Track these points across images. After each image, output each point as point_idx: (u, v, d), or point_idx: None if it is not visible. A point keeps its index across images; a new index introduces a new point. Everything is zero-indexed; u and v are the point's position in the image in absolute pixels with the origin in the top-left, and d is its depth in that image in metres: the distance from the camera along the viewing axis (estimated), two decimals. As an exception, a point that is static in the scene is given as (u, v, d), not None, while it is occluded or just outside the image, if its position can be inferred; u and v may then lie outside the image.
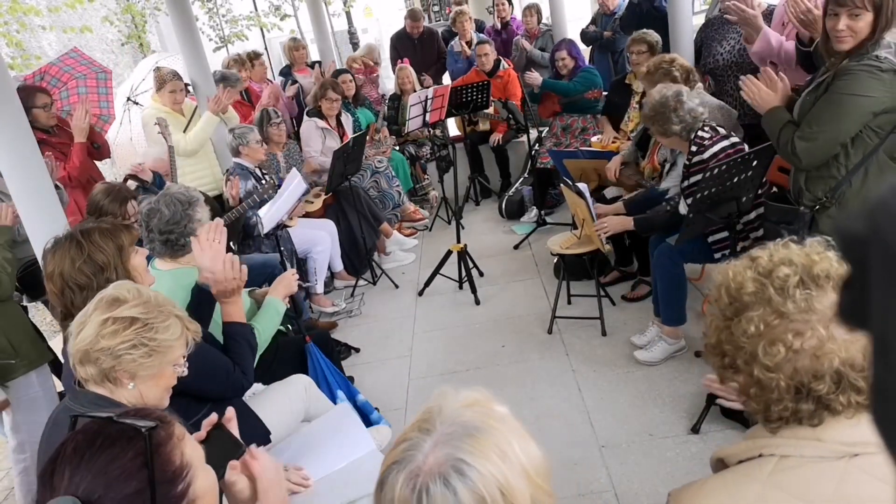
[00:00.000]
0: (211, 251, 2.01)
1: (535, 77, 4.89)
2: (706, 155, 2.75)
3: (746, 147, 2.78)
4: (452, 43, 6.42)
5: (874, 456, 0.89)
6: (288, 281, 2.52)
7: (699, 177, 2.74)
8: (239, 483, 1.30)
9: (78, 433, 1.03)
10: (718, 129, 2.84)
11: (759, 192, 2.78)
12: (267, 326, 2.36)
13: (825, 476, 0.90)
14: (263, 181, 4.00)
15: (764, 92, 2.28)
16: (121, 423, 1.03)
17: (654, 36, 4.03)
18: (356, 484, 1.86)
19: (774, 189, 2.88)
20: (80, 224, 2.04)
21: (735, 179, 2.53)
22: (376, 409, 2.97)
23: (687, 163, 2.84)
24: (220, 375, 1.92)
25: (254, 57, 5.71)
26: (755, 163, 2.55)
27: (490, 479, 0.81)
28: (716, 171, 2.47)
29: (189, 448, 1.07)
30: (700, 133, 2.79)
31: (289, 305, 2.94)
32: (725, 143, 2.76)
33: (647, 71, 3.36)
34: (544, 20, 6.56)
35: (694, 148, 2.81)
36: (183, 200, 2.33)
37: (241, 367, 2.03)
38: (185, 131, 4.18)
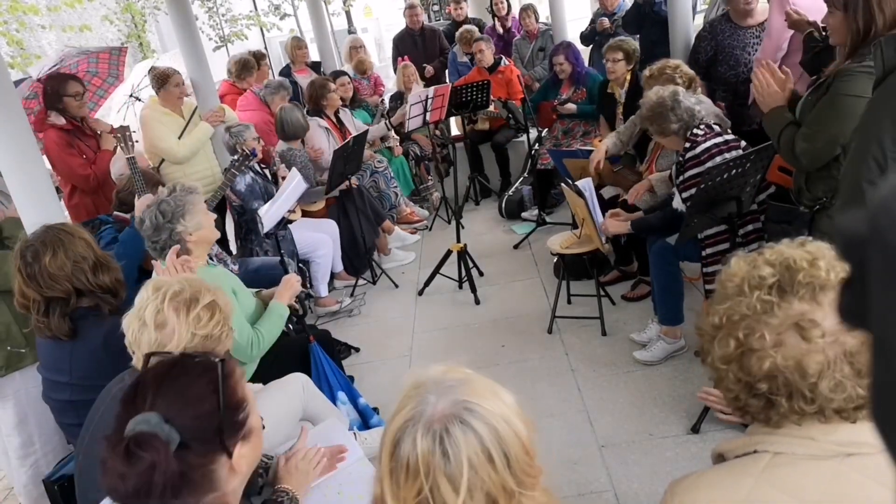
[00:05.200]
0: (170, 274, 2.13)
1: (570, 108, 4.88)
2: (698, 150, 2.78)
3: (743, 144, 2.79)
4: (454, 50, 6.41)
5: (868, 457, 0.90)
6: (291, 284, 2.63)
7: (694, 171, 2.76)
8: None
9: (157, 365, 1.19)
10: (714, 126, 2.85)
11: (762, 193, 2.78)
12: (271, 330, 2.47)
13: (817, 474, 0.91)
14: (261, 176, 4.00)
15: (773, 89, 2.26)
16: (195, 356, 1.22)
17: (631, 44, 4.13)
18: (350, 485, 1.88)
19: (773, 189, 2.88)
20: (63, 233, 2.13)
21: (732, 173, 2.52)
22: (376, 410, 2.96)
23: (681, 159, 2.85)
24: None
25: (259, 57, 5.65)
26: (752, 159, 2.54)
27: (495, 412, 0.92)
28: (716, 159, 2.47)
29: (247, 388, 1.21)
30: (695, 130, 2.82)
31: (297, 307, 2.96)
32: (718, 139, 2.79)
33: (649, 75, 3.35)
34: (543, 19, 6.54)
35: (687, 144, 2.84)
36: (167, 211, 2.36)
37: None
38: (180, 136, 4.18)
